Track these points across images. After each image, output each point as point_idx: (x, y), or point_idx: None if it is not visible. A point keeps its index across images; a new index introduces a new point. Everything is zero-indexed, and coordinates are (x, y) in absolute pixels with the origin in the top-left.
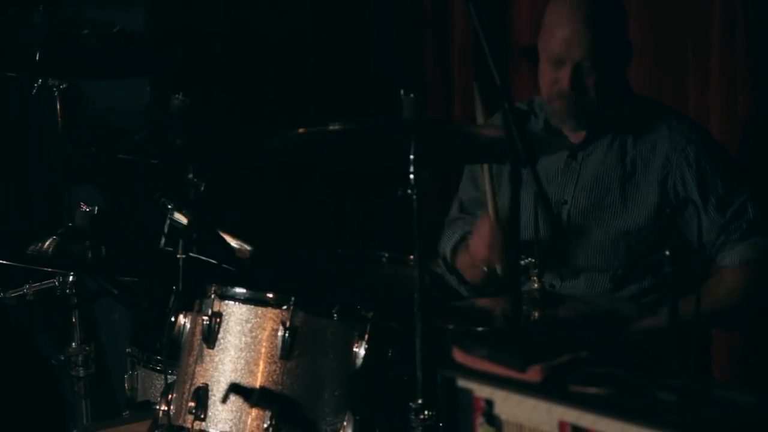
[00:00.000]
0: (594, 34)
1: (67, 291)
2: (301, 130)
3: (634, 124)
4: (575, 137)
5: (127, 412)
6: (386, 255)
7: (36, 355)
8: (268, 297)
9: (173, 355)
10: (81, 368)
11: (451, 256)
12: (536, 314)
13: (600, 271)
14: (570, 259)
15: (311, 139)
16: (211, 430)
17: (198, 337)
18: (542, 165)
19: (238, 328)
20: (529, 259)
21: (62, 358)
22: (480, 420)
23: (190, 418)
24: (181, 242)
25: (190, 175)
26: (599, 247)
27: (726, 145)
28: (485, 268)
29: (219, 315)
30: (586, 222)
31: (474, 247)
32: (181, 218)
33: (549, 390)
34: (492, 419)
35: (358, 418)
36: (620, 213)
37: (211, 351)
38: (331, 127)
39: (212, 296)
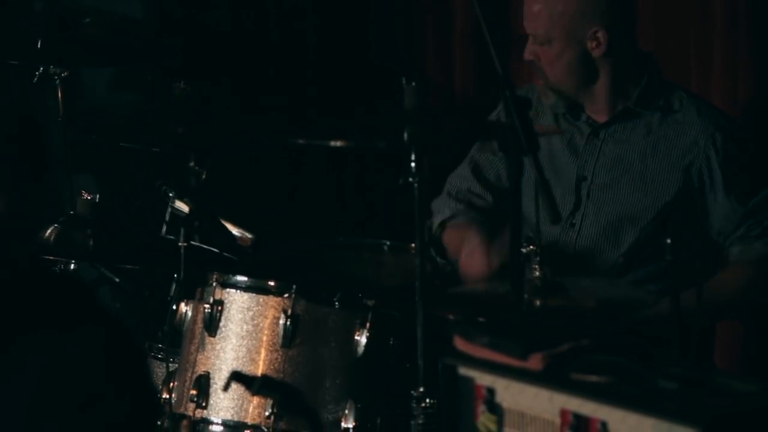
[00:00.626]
0: (561, 6)
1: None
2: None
3: (660, 106)
4: (599, 117)
5: None
6: (388, 243)
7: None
8: (270, 285)
9: (175, 343)
10: None
11: (439, 229)
12: (538, 302)
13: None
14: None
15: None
16: (212, 418)
17: (200, 325)
18: (563, 142)
19: (240, 316)
20: (531, 247)
21: None
22: (482, 408)
23: (192, 406)
24: (182, 230)
25: (192, 163)
26: (615, 226)
27: None
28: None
29: (221, 303)
30: (605, 199)
31: (466, 267)
32: (183, 206)
33: (551, 378)
34: (493, 407)
35: (359, 406)
36: (640, 193)
37: (212, 339)
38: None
39: (214, 284)
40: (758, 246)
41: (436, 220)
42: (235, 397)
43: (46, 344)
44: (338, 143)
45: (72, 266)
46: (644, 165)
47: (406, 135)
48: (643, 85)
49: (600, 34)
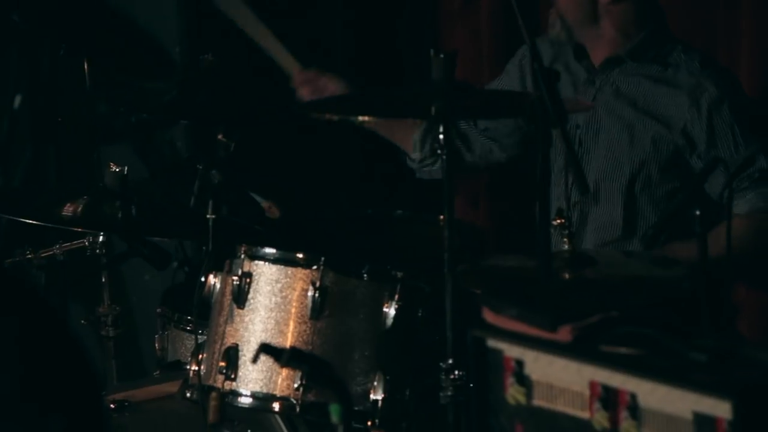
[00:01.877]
0: None
1: (97, 251)
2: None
3: (659, 60)
4: (596, 56)
5: (158, 372)
6: (416, 215)
7: (65, 329)
8: (298, 257)
9: (203, 315)
10: (110, 328)
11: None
12: (567, 275)
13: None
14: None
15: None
16: (241, 390)
17: (228, 297)
18: (568, 86)
19: (268, 288)
20: (560, 220)
21: (91, 318)
22: (510, 380)
23: (221, 378)
24: (211, 202)
25: (220, 135)
26: (605, 172)
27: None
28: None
29: (249, 275)
30: (595, 147)
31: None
32: (211, 178)
33: (580, 350)
34: (522, 379)
35: (388, 377)
36: (626, 145)
37: (241, 311)
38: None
39: (242, 256)
40: (751, 197)
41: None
42: (264, 369)
43: None
44: (366, 117)
45: (101, 238)
46: (634, 118)
47: (433, 108)
48: (642, 37)
49: None
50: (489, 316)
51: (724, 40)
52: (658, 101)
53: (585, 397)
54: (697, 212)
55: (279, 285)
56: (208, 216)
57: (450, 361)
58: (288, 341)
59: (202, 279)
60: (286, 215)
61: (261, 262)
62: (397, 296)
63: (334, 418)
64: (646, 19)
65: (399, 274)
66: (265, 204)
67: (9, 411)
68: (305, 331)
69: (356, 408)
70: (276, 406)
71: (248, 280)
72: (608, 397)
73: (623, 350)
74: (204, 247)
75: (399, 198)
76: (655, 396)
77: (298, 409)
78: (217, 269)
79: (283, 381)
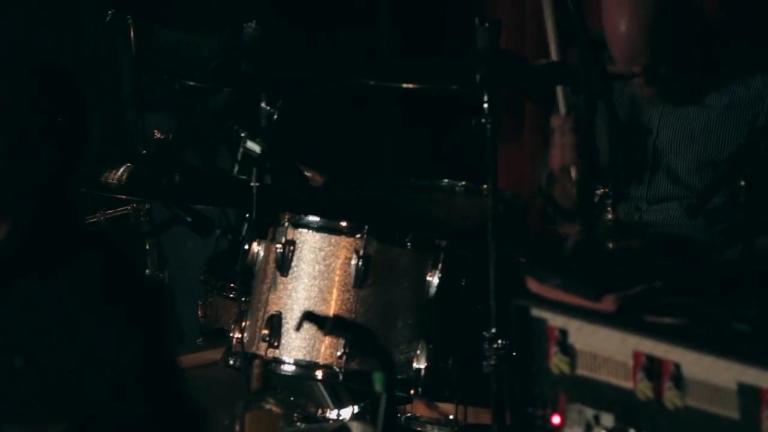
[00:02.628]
0: None
1: (141, 218)
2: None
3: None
4: None
5: (201, 339)
6: (460, 184)
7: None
8: (342, 225)
9: (246, 282)
10: None
11: (547, 183)
12: (610, 244)
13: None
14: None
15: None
16: (284, 357)
17: (271, 265)
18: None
19: (312, 256)
20: (604, 189)
21: None
22: (554, 349)
23: (264, 345)
24: (254, 170)
25: (263, 103)
26: (683, 176)
27: None
28: (567, 181)
29: (292, 243)
30: (671, 151)
31: (552, 159)
32: (255, 146)
33: (623, 320)
34: (566, 349)
35: (431, 346)
36: (705, 144)
37: (284, 279)
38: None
39: (286, 224)
40: None
41: (543, 174)
42: (307, 337)
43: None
44: (410, 85)
45: (144, 206)
46: (709, 118)
47: (478, 76)
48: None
49: None
50: (533, 285)
51: None
52: (734, 95)
53: (629, 367)
54: (742, 183)
55: (322, 253)
56: (251, 184)
57: (493, 330)
58: (331, 309)
59: (246, 247)
60: (329, 183)
61: (304, 230)
62: (440, 265)
63: (377, 386)
64: None
65: (442, 243)
66: (308, 172)
67: (93, 317)
68: (348, 299)
69: (399, 376)
70: (319, 373)
71: (292, 248)
72: (652, 367)
73: (667, 320)
74: (247, 215)
75: (443, 167)
76: (700, 366)
77: (341, 377)
78: (260, 237)
79: (326, 349)
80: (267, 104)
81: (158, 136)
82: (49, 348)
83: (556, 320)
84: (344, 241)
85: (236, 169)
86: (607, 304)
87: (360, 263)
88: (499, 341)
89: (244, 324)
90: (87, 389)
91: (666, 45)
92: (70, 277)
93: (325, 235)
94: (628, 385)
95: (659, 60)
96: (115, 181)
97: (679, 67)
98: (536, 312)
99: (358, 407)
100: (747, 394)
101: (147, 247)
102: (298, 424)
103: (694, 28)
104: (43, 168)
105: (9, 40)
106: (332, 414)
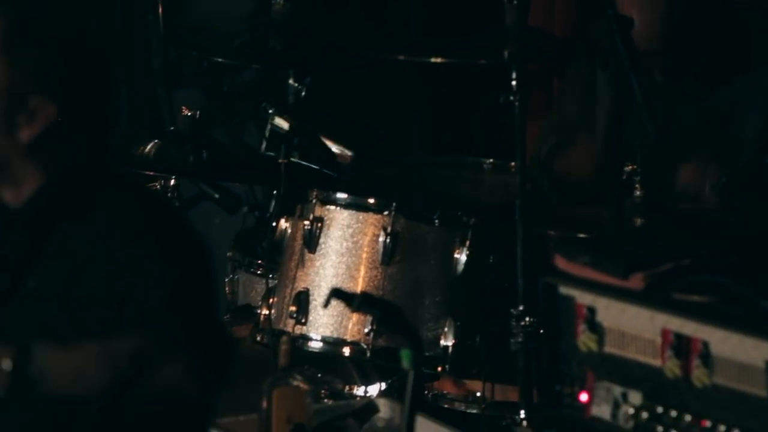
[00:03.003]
0: None
1: (168, 194)
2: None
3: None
4: None
5: (228, 316)
6: (488, 161)
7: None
8: (370, 202)
9: (274, 259)
10: None
11: (548, 155)
12: (638, 221)
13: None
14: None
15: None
16: (311, 334)
17: (299, 241)
18: None
19: (339, 233)
20: (632, 166)
21: None
22: (582, 327)
23: (291, 322)
24: (282, 147)
25: (291, 80)
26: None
27: None
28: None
29: (320, 220)
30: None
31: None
32: (283, 123)
33: (652, 297)
34: (594, 326)
35: (458, 323)
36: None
37: (312, 255)
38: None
39: (314, 201)
40: None
41: (544, 148)
42: (335, 313)
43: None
44: (438, 59)
45: (172, 182)
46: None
47: (506, 53)
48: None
49: None
50: (561, 262)
51: None
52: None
53: (657, 344)
54: None
55: (350, 230)
56: (279, 160)
57: (521, 308)
58: (359, 286)
59: (273, 223)
60: (357, 160)
61: (332, 207)
62: (468, 242)
63: (405, 363)
64: None
65: (470, 221)
66: (336, 149)
67: (131, 251)
68: (376, 276)
69: (427, 353)
70: (346, 350)
71: (319, 224)
72: (680, 345)
73: (696, 298)
74: (275, 192)
75: (471, 144)
76: (728, 344)
77: (368, 354)
78: (288, 213)
79: (353, 326)
80: (295, 81)
81: (186, 112)
82: (85, 292)
83: (584, 298)
84: (372, 218)
85: (264, 145)
86: (636, 281)
87: (388, 240)
88: (527, 319)
89: (271, 301)
90: (125, 324)
91: (679, 34)
92: (107, 216)
93: (353, 212)
94: (656, 363)
95: (672, 49)
96: (143, 158)
97: (692, 56)
98: (564, 289)
99: (386, 384)
100: None
101: None
102: (326, 400)
103: (710, 17)
104: (74, 136)
105: (38, 14)
106: (359, 391)
